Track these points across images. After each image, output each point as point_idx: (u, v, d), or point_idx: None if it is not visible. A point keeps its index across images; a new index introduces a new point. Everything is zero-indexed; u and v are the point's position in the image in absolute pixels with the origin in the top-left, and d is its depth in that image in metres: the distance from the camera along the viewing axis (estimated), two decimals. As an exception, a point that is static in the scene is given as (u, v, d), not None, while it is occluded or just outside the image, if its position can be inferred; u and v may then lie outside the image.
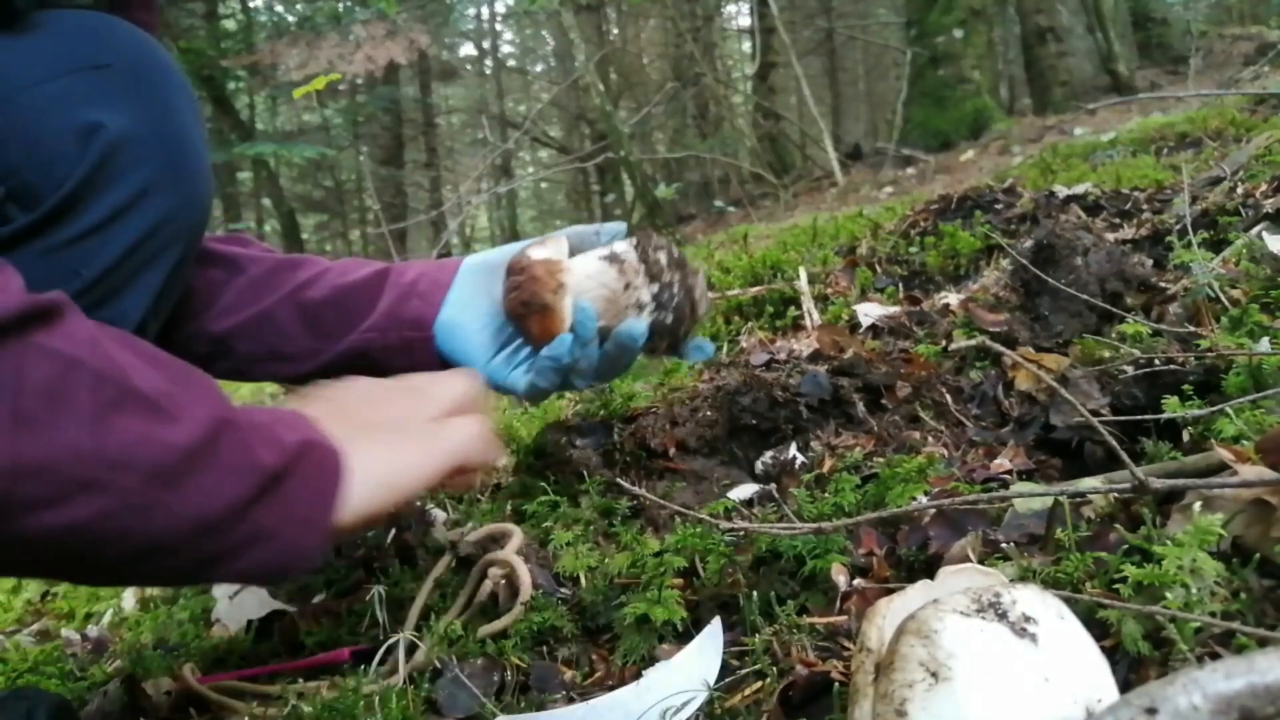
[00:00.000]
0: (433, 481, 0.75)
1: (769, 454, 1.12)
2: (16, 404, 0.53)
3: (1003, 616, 0.51)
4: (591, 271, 0.98)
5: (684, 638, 0.81)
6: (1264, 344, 0.98)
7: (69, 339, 0.57)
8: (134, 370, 0.60)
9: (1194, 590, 0.60)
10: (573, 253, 1.01)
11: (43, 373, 0.55)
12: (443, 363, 1.03)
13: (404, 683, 0.84)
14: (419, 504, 1.23)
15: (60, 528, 0.56)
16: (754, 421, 1.16)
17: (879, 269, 1.83)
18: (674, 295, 0.98)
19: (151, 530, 0.59)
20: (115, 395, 0.58)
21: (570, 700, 0.79)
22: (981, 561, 0.74)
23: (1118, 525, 0.73)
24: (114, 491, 0.56)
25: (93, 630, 1.46)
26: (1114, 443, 0.65)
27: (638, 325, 0.96)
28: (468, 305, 1.03)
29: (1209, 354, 0.98)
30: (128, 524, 0.58)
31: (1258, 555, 0.63)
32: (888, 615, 0.59)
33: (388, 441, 0.74)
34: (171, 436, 0.59)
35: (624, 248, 0.99)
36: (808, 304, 1.67)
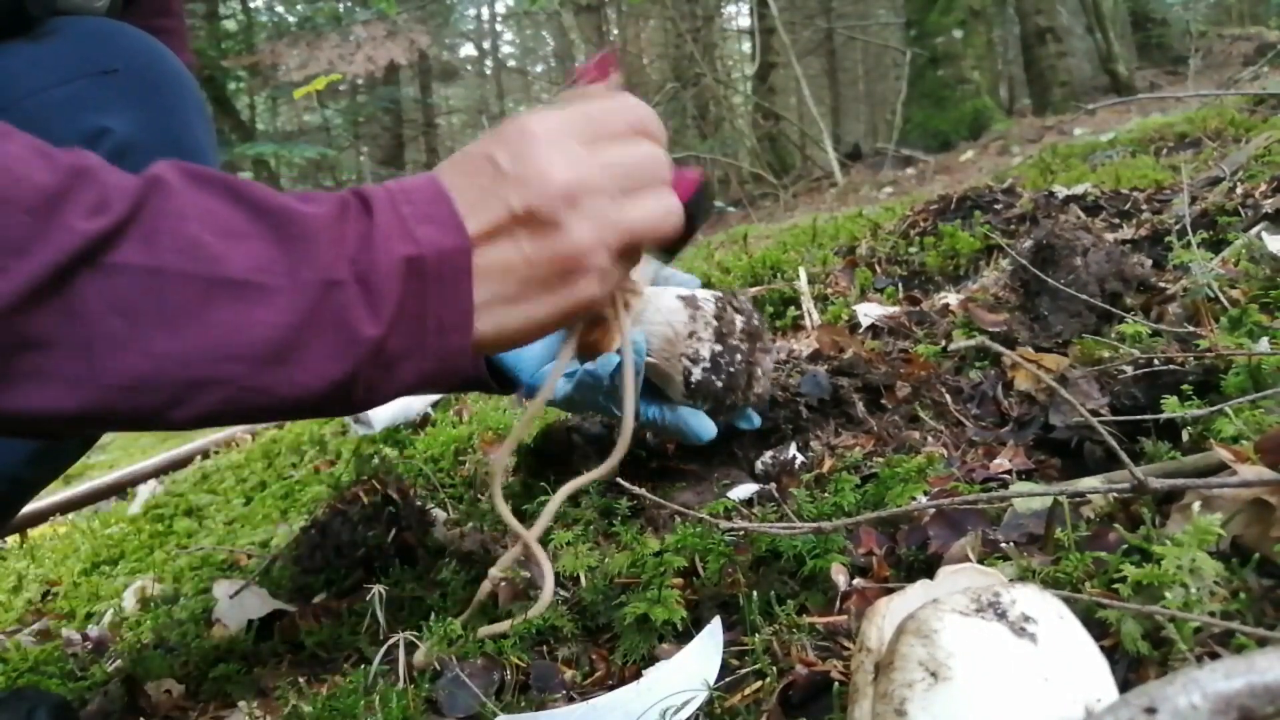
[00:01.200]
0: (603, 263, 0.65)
1: (769, 454, 1.12)
2: (93, 328, 0.53)
3: (1002, 616, 0.51)
4: (663, 305, 0.96)
5: (684, 638, 0.81)
6: (1263, 344, 0.98)
7: (147, 245, 0.55)
8: (224, 252, 0.56)
9: (1193, 590, 0.60)
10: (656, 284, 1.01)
11: (116, 293, 0.54)
12: (491, 369, 1.02)
13: (404, 683, 0.84)
14: (419, 504, 1.23)
15: (195, 418, 0.58)
16: (754, 421, 1.16)
17: (879, 269, 1.83)
18: (733, 363, 0.94)
19: (283, 399, 0.59)
20: (202, 291, 0.55)
21: (570, 700, 0.79)
22: (981, 561, 0.74)
23: (1117, 525, 0.73)
24: (226, 382, 0.57)
25: (93, 630, 1.46)
26: (1113, 443, 0.65)
27: (708, 429, 0.98)
28: None
29: (1208, 354, 0.98)
30: (257, 401, 0.58)
31: (1257, 555, 0.63)
32: (887, 615, 0.59)
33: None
34: (268, 316, 0.57)
35: (705, 295, 0.97)
36: (807, 304, 1.67)
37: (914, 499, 0.90)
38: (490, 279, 0.63)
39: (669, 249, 0.85)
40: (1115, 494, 0.77)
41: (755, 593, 0.80)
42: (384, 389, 0.63)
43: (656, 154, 0.68)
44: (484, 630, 0.86)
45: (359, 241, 0.60)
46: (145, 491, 2.57)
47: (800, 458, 1.09)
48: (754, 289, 1.85)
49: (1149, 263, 1.38)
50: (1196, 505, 0.69)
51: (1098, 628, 0.58)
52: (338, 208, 0.61)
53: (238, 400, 0.57)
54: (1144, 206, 1.81)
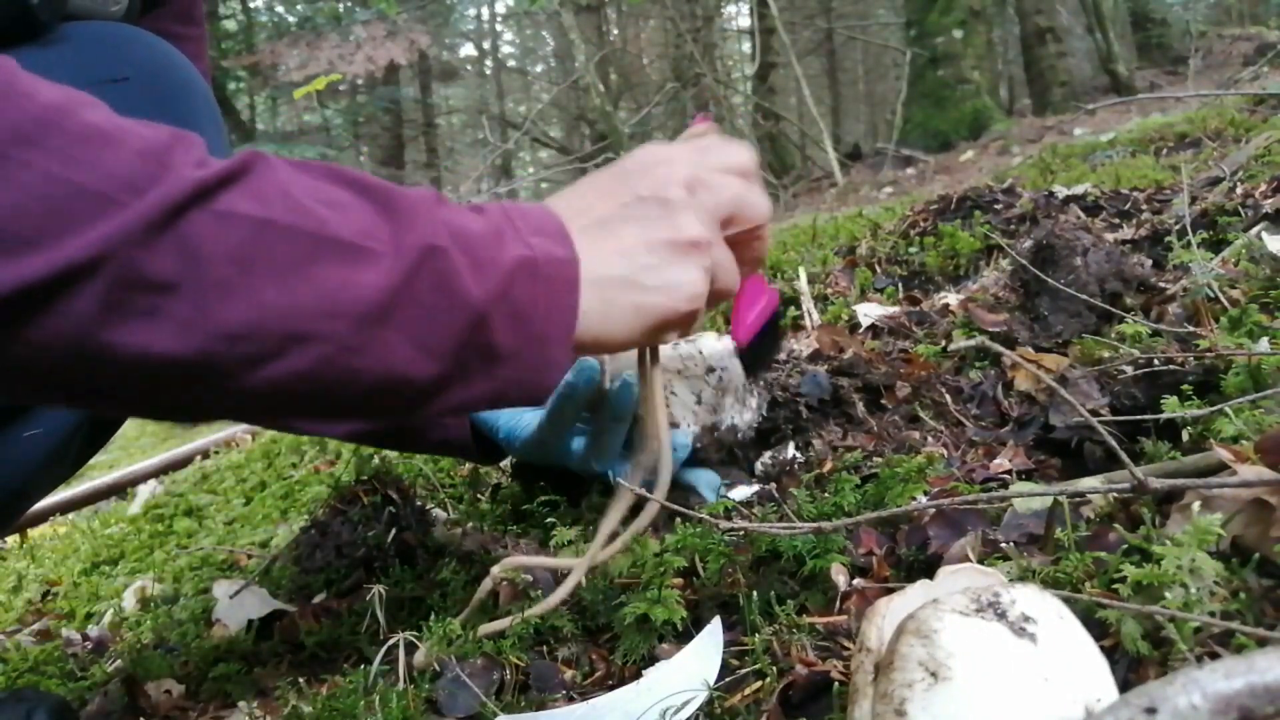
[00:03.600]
0: (692, 251, 0.71)
1: (769, 454, 1.12)
2: (207, 272, 0.54)
3: (1002, 616, 0.51)
4: (668, 353, 1.04)
5: (684, 638, 0.81)
6: (1263, 344, 0.98)
7: (256, 198, 0.57)
8: (330, 216, 0.59)
9: (1193, 590, 0.60)
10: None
11: (230, 239, 0.55)
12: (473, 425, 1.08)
13: (404, 683, 0.84)
14: (419, 504, 1.23)
15: (291, 375, 0.58)
16: (754, 421, 1.16)
17: (879, 269, 1.83)
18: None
19: (380, 362, 0.60)
20: (309, 247, 0.57)
21: (570, 700, 0.79)
22: (981, 561, 0.74)
23: (1117, 525, 0.73)
24: (328, 339, 0.58)
25: (93, 630, 1.46)
26: (1113, 443, 0.65)
27: (680, 436, 1.02)
28: None
29: (1208, 354, 0.98)
30: (353, 363, 0.59)
31: (1257, 555, 0.63)
32: (887, 615, 0.59)
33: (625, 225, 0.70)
34: (372, 278, 0.58)
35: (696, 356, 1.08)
36: (807, 304, 1.67)
37: (914, 499, 0.90)
38: (602, 259, 0.67)
39: (749, 363, 1.04)
40: (1115, 494, 0.77)
41: (755, 593, 0.80)
42: (480, 386, 0.64)
43: (754, 186, 0.78)
44: (485, 627, 0.86)
45: (462, 218, 0.63)
46: (145, 491, 2.57)
47: (800, 458, 1.09)
48: (754, 289, 1.85)
49: (1149, 263, 1.38)
50: (1196, 505, 0.69)
51: (1098, 628, 0.58)
52: (436, 194, 0.65)
53: (334, 361, 0.58)
54: (1144, 206, 1.81)
